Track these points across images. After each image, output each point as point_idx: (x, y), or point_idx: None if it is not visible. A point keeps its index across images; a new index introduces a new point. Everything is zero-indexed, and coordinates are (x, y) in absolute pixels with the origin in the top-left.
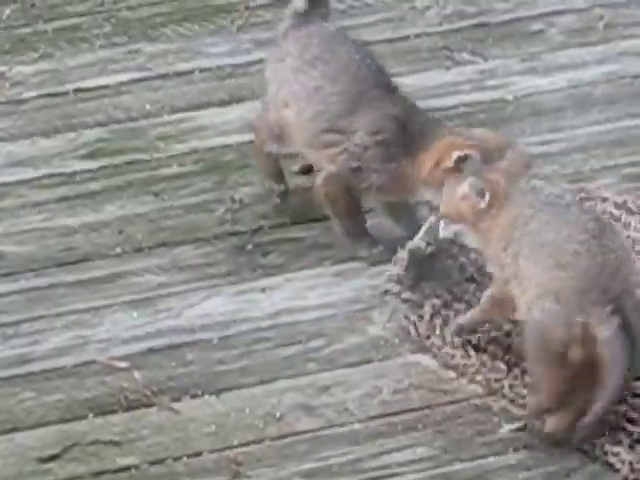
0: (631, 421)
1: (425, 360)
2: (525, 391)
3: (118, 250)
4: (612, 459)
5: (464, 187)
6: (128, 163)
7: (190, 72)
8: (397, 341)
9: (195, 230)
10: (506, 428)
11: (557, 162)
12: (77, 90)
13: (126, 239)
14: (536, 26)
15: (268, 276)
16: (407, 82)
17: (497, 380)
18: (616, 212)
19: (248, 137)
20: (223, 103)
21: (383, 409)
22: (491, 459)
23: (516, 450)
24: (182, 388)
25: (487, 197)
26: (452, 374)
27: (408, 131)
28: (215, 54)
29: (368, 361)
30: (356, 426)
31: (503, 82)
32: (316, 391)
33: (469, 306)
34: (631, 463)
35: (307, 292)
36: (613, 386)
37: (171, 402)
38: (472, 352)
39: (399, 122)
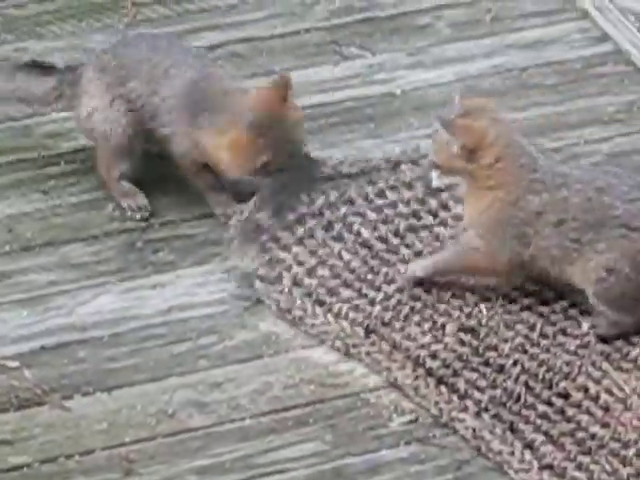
0: (479, 389)
1: (315, 355)
2: (382, 357)
3: (7, 248)
4: (458, 425)
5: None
6: (17, 161)
7: None
8: (288, 336)
9: (84, 228)
10: (397, 421)
11: None
12: None
13: (15, 237)
14: (423, 20)
15: (159, 273)
16: (296, 77)
17: (355, 346)
18: None
19: None
20: None
21: (274, 405)
22: (383, 452)
23: (408, 443)
24: (73, 386)
25: (458, 142)
26: (342, 367)
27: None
28: None
29: (259, 357)
30: (247, 422)
31: (391, 76)
32: (208, 387)
33: (334, 273)
34: (474, 430)
35: (198, 288)
36: None
37: (62, 400)
38: (331, 318)
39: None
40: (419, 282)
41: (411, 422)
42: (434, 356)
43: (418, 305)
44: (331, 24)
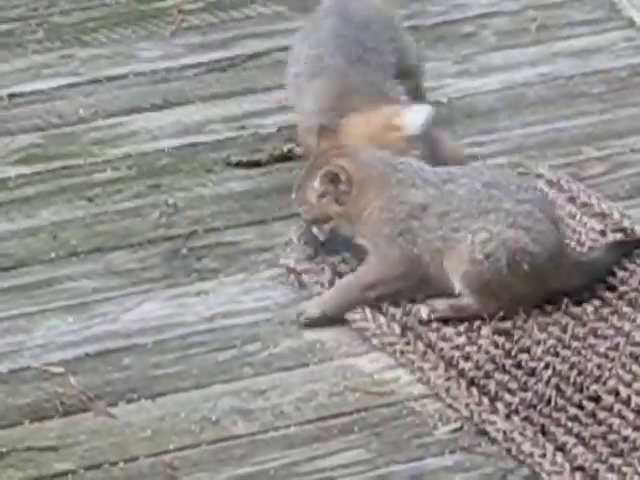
0: (510, 391)
1: (360, 363)
2: (415, 357)
3: (52, 255)
4: (489, 427)
5: (316, 182)
6: (62, 168)
7: (123, 76)
8: (333, 344)
9: (129, 235)
10: (442, 430)
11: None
12: (11, 95)
13: (60, 244)
14: (469, 28)
15: (203, 280)
16: None
17: (391, 344)
18: (546, 189)
19: (181, 141)
20: (157, 107)
21: (319, 412)
22: (428, 461)
23: (452, 452)
24: (118, 393)
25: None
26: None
27: None
28: (148, 58)
29: (304, 365)
30: (292, 430)
31: (437, 84)
32: (252, 395)
33: None
34: (505, 432)
35: (242, 296)
36: None
37: (107, 407)
38: (369, 315)
39: None
40: (319, 322)
41: (456, 430)
42: (467, 357)
43: None
44: None
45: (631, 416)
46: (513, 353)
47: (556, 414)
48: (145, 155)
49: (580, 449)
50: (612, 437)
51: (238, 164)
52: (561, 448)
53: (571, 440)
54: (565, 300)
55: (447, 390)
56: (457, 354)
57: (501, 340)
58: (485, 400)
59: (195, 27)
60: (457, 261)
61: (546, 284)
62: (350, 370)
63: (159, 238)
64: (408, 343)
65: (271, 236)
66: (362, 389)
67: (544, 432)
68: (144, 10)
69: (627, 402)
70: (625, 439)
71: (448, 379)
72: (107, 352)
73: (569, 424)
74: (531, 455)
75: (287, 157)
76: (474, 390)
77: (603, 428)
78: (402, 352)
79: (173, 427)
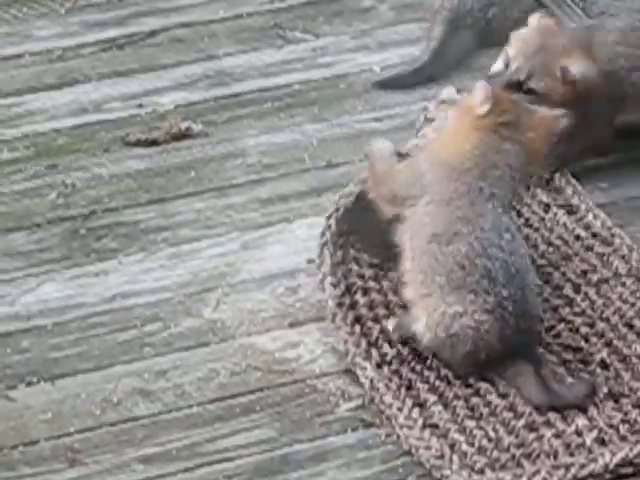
0: (390, 342)
1: (261, 342)
2: None
3: None
4: (359, 372)
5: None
6: None
7: (19, 56)
8: (233, 323)
9: (28, 216)
10: (344, 407)
11: (390, 139)
12: None
13: None
14: (367, 3)
15: (102, 260)
16: (240, 62)
17: None
18: None
19: (79, 121)
20: (53, 87)
21: (220, 392)
22: (330, 439)
23: (355, 429)
24: (17, 375)
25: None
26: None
27: None
28: (44, 37)
29: (204, 344)
30: (194, 410)
31: (335, 59)
32: (153, 375)
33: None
34: (372, 380)
35: (142, 275)
36: None
37: (6, 390)
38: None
39: None
40: None
41: (358, 408)
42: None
43: None
44: (274, 7)
45: (501, 384)
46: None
47: (427, 372)
48: (42, 135)
49: (439, 407)
50: (475, 400)
51: (136, 143)
52: (421, 404)
53: (432, 398)
54: None
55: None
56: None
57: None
58: (363, 344)
59: (90, 5)
60: (423, 313)
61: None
62: (251, 349)
63: (57, 219)
64: None
65: (170, 215)
66: (263, 368)
67: (409, 387)
68: None
69: None
70: (488, 404)
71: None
72: (5, 335)
73: (437, 383)
74: (390, 407)
75: (185, 135)
76: (357, 328)
77: (469, 391)
78: None
79: (74, 409)
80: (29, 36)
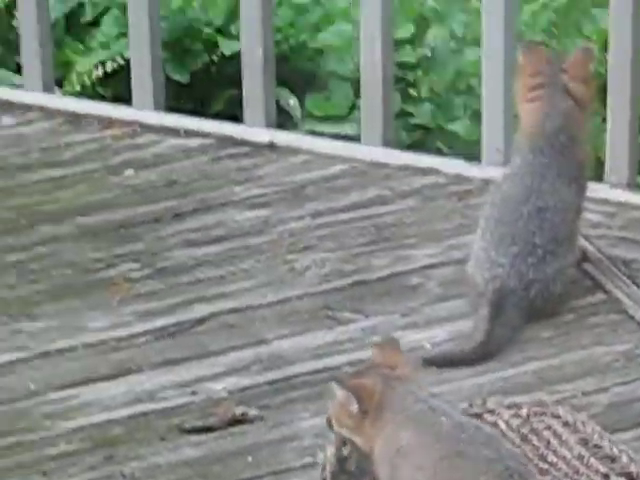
0: None
1: None
2: None
3: None
4: None
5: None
6: (15, 445)
7: (73, 348)
8: None
9: None
10: None
11: None
12: None
13: None
14: (414, 280)
15: None
16: (291, 344)
17: None
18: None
19: (134, 410)
20: (107, 377)
21: None
22: None
23: None
24: None
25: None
26: None
27: None
28: (97, 328)
29: None
30: None
31: None
32: None
33: None
34: None
35: None
36: None
37: None
38: None
39: None
40: None
41: None
42: None
43: None
44: (323, 289)
45: None
46: None
47: None
48: (98, 426)
49: None
50: None
51: (192, 430)
52: None
53: None
54: None
55: None
56: None
57: None
58: None
59: (142, 295)
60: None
61: None
62: None
63: None
64: None
65: None
66: None
67: None
68: (90, 280)
69: None
70: None
71: None
72: None
73: None
74: None
75: (239, 421)
76: None
77: None
78: None
79: None
80: (82, 328)
